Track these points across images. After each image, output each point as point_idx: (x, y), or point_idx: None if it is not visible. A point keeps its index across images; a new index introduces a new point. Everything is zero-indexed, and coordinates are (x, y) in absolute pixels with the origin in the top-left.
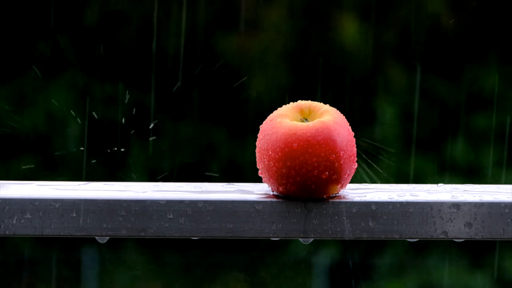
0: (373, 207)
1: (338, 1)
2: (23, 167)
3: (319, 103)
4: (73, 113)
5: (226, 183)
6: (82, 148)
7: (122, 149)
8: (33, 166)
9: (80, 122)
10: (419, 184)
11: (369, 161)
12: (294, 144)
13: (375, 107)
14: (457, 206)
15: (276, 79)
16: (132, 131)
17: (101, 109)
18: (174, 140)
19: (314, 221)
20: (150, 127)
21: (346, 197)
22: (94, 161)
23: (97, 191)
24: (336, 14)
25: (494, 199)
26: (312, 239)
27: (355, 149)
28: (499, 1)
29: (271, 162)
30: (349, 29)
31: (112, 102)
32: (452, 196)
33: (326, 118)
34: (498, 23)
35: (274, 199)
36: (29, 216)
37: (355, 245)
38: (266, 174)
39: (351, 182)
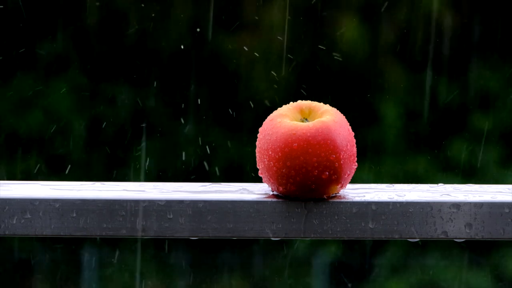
0: (373, 207)
1: (338, 1)
2: (24, 167)
3: (319, 103)
4: (73, 113)
5: (226, 183)
6: (82, 148)
7: (122, 149)
8: (33, 166)
9: (80, 122)
10: (419, 184)
11: (369, 161)
12: (294, 144)
13: (375, 107)
14: (457, 206)
15: (276, 79)
16: (133, 131)
17: (102, 109)
18: (174, 140)
19: (314, 221)
20: (151, 127)
21: (346, 197)
22: (95, 161)
23: (97, 191)
24: (336, 14)
25: (494, 199)
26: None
27: (355, 149)
28: (499, 0)
29: (271, 162)
30: (349, 29)
31: (113, 102)
32: (452, 196)
33: (326, 118)
34: (499, 22)
35: (274, 199)
36: (29, 216)
37: (355, 245)
38: (266, 174)
39: (351, 182)
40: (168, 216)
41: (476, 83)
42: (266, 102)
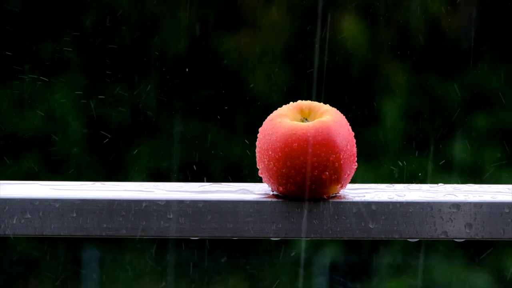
0: (373, 207)
1: (338, 1)
2: (24, 167)
3: (319, 103)
4: (73, 113)
5: (226, 183)
6: (82, 148)
7: (122, 149)
8: (33, 166)
9: (80, 122)
10: (419, 184)
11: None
12: (294, 144)
13: (375, 107)
14: (457, 206)
15: (276, 79)
16: (133, 131)
17: (102, 109)
18: (174, 140)
19: (314, 221)
20: (150, 127)
21: (346, 197)
22: (95, 161)
23: (97, 191)
24: (336, 14)
25: (494, 199)
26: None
27: (355, 149)
28: (499, 0)
29: (271, 162)
30: (349, 29)
31: (113, 102)
32: (452, 196)
33: (326, 118)
34: (499, 21)
35: (274, 199)
36: (29, 216)
37: (355, 245)
38: (266, 174)
39: (351, 182)
40: (168, 216)
41: (476, 83)
42: (266, 102)
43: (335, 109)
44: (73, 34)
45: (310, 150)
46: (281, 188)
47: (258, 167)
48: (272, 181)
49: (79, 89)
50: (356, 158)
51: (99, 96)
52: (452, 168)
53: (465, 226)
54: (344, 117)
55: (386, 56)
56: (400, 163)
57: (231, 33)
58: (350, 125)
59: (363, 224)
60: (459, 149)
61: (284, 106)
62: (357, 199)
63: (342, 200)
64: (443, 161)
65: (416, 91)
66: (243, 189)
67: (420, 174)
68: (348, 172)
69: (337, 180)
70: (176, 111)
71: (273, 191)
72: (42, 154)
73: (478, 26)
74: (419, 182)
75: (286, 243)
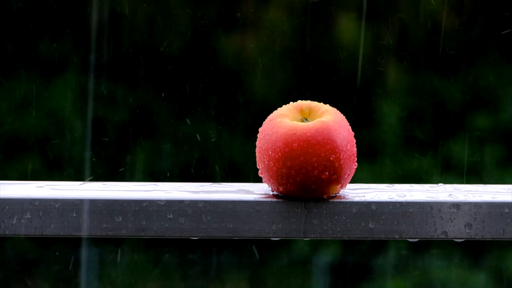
0: (373, 207)
1: (338, 1)
2: (24, 167)
3: (319, 103)
4: (73, 113)
5: (226, 183)
6: (82, 148)
7: (122, 149)
8: (33, 166)
9: (80, 122)
10: (419, 184)
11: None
12: (294, 144)
13: (375, 107)
14: (457, 206)
15: (276, 79)
16: (133, 131)
17: (102, 109)
18: (174, 140)
19: (314, 221)
20: (151, 127)
21: (346, 197)
22: (95, 161)
23: (97, 191)
24: (336, 14)
25: (494, 199)
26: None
27: (355, 149)
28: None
29: (271, 162)
30: (349, 29)
31: (113, 102)
32: (452, 196)
33: (326, 118)
34: (499, 21)
35: (274, 199)
36: (29, 216)
37: (355, 245)
38: (266, 174)
39: (351, 182)
40: (168, 216)
41: (476, 83)
42: (266, 102)
43: (335, 109)
44: (73, 33)
45: (310, 150)
46: (281, 188)
47: (258, 167)
48: (272, 181)
49: (79, 89)
50: (356, 158)
51: (99, 96)
52: (452, 168)
53: (465, 226)
54: (344, 117)
55: (386, 56)
56: (399, 163)
57: (231, 33)
58: (350, 125)
59: (363, 224)
60: (459, 149)
61: (284, 106)
62: (357, 199)
63: (342, 200)
64: (443, 161)
65: (416, 91)
66: (243, 189)
67: (420, 174)
68: (348, 172)
69: (337, 180)
70: (176, 110)
71: (273, 191)
72: (42, 154)
73: (479, 26)
74: (419, 182)
75: (286, 243)
